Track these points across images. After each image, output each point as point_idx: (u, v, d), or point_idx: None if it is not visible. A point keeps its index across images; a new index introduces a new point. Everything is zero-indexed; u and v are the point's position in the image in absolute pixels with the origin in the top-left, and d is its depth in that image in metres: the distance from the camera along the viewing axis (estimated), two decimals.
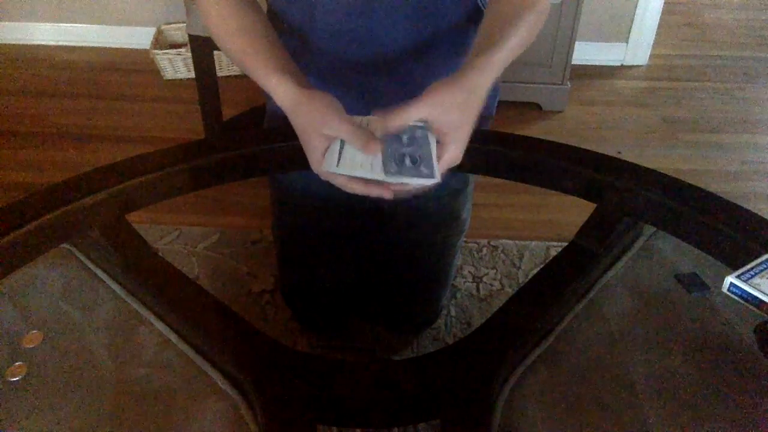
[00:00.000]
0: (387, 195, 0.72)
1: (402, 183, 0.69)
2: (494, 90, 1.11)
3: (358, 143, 0.70)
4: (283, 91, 0.78)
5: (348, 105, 0.76)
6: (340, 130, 0.71)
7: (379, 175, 0.68)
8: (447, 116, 0.71)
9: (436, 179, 0.69)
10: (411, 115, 0.70)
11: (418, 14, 0.92)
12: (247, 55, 0.83)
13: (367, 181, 0.70)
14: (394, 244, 1.23)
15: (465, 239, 1.77)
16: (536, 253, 1.76)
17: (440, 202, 1.16)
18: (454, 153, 0.72)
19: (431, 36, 0.96)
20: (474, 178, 1.25)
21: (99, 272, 0.78)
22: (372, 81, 1.00)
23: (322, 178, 0.75)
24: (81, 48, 2.73)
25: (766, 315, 0.68)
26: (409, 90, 0.97)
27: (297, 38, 0.99)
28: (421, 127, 0.71)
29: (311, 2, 0.92)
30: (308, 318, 1.44)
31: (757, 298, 0.68)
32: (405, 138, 0.70)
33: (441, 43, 0.98)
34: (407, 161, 0.68)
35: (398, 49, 0.96)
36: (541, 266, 0.80)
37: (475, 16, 0.98)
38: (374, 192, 0.72)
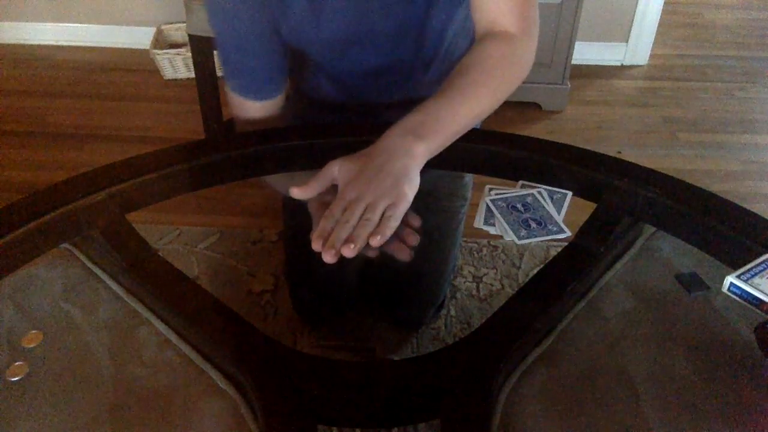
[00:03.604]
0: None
1: None
2: None
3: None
4: None
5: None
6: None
7: (513, 239, 0.78)
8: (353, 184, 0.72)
9: (567, 233, 0.78)
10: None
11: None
12: None
13: None
14: None
15: (465, 239, 1.78)
16: (536, 253, 1.76)
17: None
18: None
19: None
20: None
21: (99, 272, 0.77)
22: (371, 82, 1.00)
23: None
24: (81, 48, 2.73)
25: (766, 315, 0.68)
26: (407, 88, 0.97)
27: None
28: (530, 194, 0.82)
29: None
30: (310, 309, 1.44)
31: (757, 298, 0.68)
32: (520, 205, 0.81)
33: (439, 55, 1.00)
34: (533, 224, 0.79)
35: (399, 56, 0.98)
36: (541, 266, 0.80)
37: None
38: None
